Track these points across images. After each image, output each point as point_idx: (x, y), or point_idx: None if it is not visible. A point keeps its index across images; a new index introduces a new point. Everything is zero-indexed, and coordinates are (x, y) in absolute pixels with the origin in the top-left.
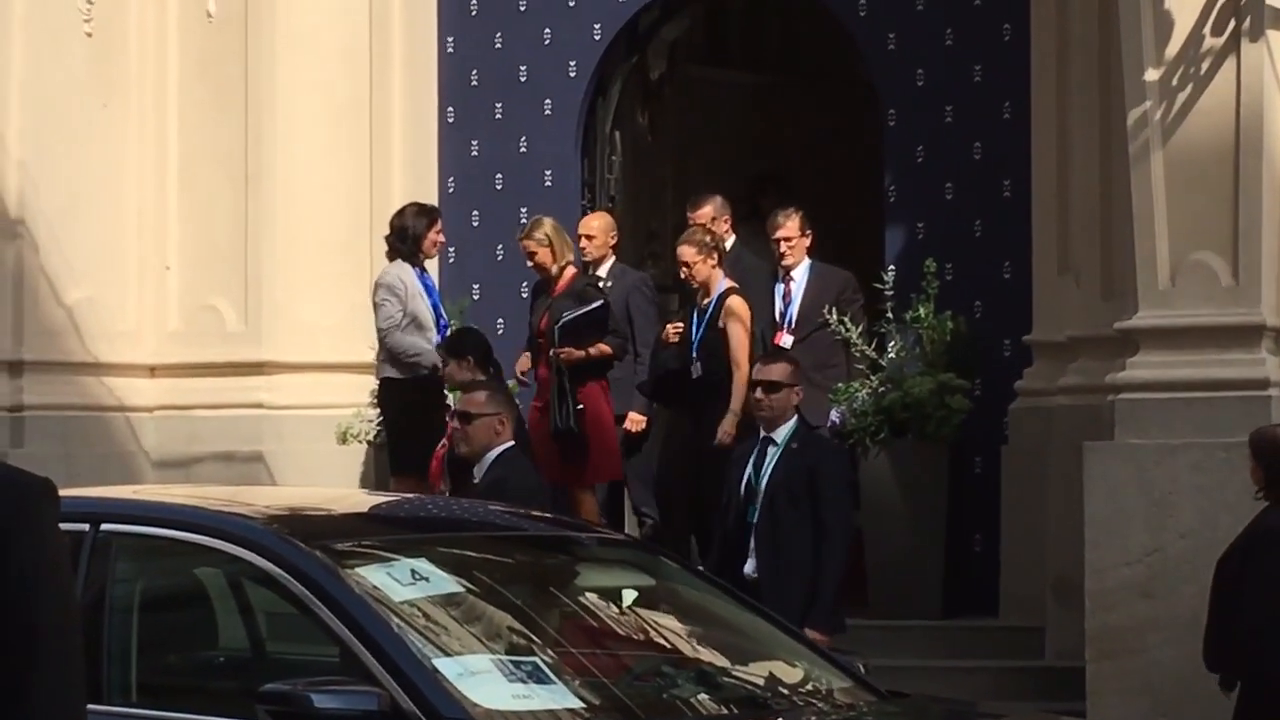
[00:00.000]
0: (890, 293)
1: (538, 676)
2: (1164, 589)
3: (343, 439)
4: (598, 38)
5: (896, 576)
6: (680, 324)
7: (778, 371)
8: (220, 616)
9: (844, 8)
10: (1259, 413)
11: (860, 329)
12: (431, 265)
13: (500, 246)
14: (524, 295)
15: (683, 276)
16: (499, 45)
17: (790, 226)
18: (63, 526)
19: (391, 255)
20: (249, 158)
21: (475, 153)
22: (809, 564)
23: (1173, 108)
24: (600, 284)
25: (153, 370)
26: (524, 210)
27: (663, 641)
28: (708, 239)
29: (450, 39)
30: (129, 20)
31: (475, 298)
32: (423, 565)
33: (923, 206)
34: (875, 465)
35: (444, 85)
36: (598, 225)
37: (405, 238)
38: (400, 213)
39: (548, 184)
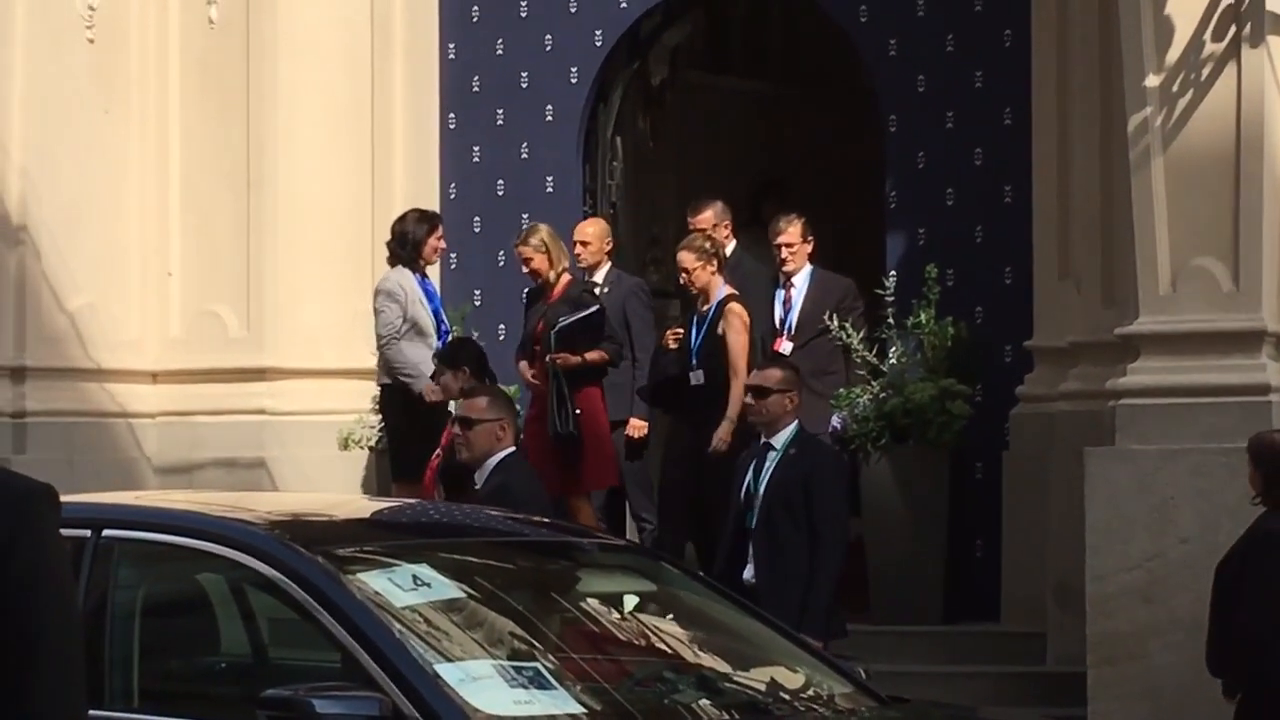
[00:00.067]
0: (891, 298)
1: (539, 682)
2: (1165, 594)
3: (344, 445)
4: (599, 44)
5: (898, 582)
6: (680, 330)
7: (766, 377)
8: (222, 622)
9: (845, 13)
10: (1260, 418)
11: (861, 335)
12: (433, 271)
13: (501, 252)
14: (525, 301)
15: (682, 282)
16: (500, 51)
17: (792, 233)
18: (65, 532)
19: (392, 261)
20: (251, 164)
21: (477, 159)
22: (805, 571)
23: (1173, 113)
24: (596, 290)
25: (155, 376)
26: (525, 216)
27: (664, 647)
28: (707, 245)
29: (451, 45)
30: (130, 26)
31: (477, 303)
32: (424, 571)
33: (924, 212)
34: (876, 471)
35: (445, 91)
36: (592, 231)
37: (406, 243)
38: (401, 218)
39: (549, 190)
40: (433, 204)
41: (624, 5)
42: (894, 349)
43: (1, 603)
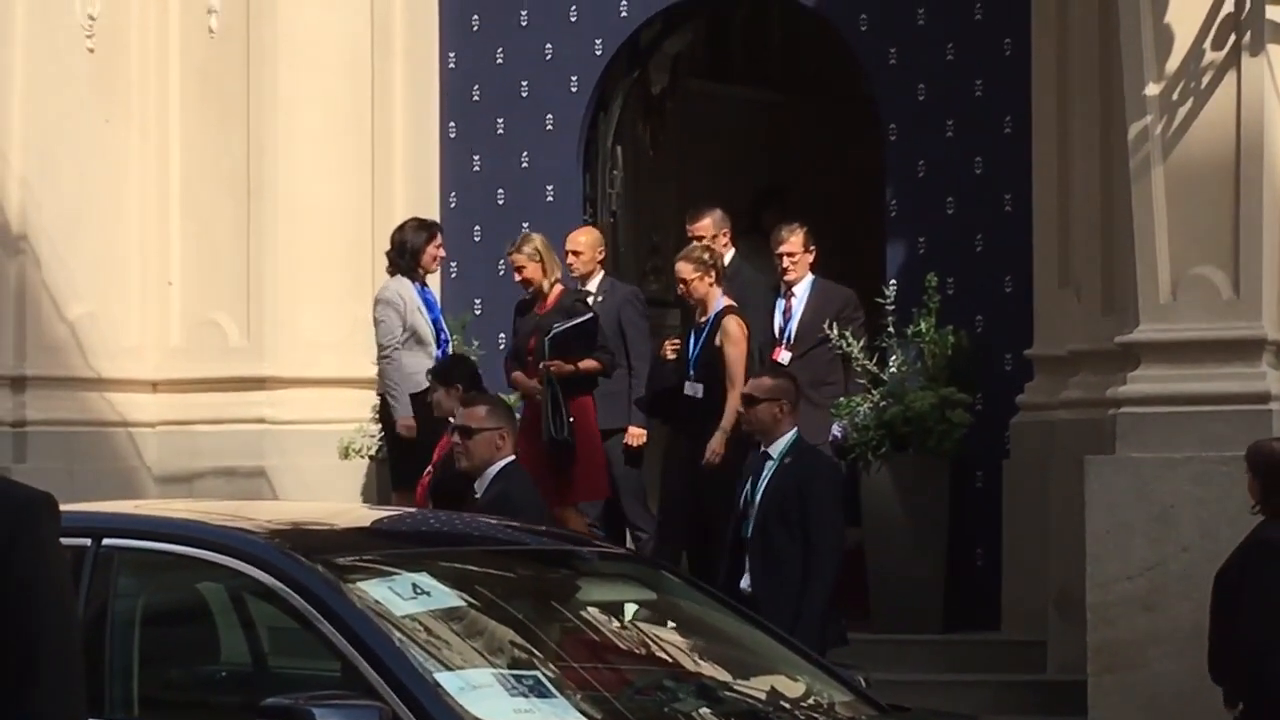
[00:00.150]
0: (892, 307)
1: (539, 691)
2: (1165, 602)
3: (344, 454)
4: (599, 53)
5: (898, 590)
6: (678, 341)
7: (755, 386)
8: (222, 631)
9: (845, 22)
10: (1260, 426)
11: (861, 344)
12: (433, 280)
13: (502, 262)
14: (515, 311)
15: (680, 293)
16: (500, 60)
17: (794, 242)
18: (65, 541)
19: (392, 270)
20: (251, 173)
21: (477, 168)
22: (800, 579)
23: (1173, 122)
24: (590, 299)
25: (155, 385)
26: (526, 225)
27: (664, 655)
28: (706, 256)
29: (452, 54)
30: (131, 36)
31: (477, 313)
32: (424, 580)
33: (924, 221)
34: (877, 479)
35: (445, 100)
36: (585, 241)
37: (405, 252)
38: (400, 227)
39: (549, 199)
40: (433, 213)
41: (624, 14)
42: (894, 357)
43: (1, 610)
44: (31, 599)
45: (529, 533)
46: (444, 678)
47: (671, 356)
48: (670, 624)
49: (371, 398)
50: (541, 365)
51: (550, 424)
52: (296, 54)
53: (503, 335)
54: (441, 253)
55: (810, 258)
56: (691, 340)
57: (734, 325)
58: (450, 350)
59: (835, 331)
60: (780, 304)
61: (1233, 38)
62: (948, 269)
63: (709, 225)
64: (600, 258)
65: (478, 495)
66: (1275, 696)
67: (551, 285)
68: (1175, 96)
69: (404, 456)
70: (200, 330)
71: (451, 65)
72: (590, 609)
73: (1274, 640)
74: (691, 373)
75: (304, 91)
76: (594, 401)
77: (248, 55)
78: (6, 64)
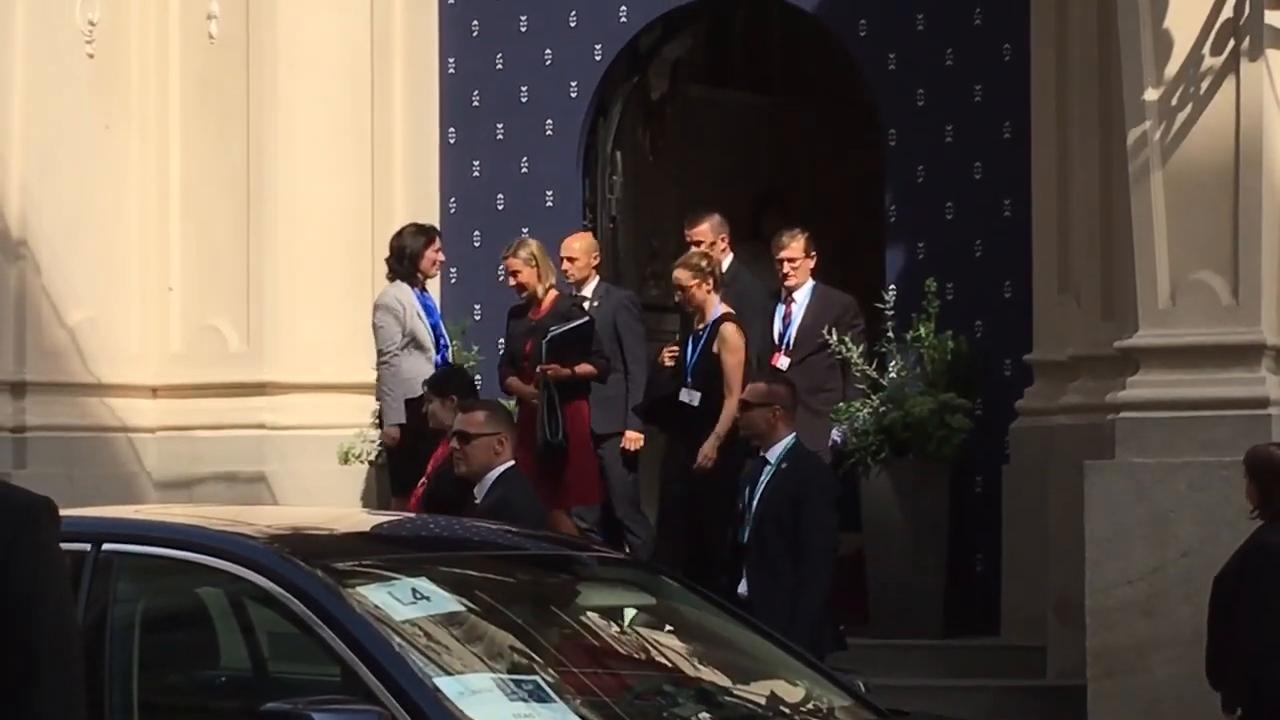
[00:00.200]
0: (891, 312)
1: (539, 695)
2: (1165, 607)
3: (344, 459)
4: (599, 58)
5: (897, 595)
6: (676, 348)
7: (749, 392)
8: (222, 636)
9: (844, 28)
10: (1259, 431)
11: (860, 349)
12: (433, 286)
13: (502, 267)
14: (508, 316)
15: (677, 301)
16: (500, 66)
17: (795, 247)
18: (64, 546)
19: (391, 276)
20: (251, 178)
21: (476, 173)
22: (793, 586)
23: (1172, 127)
24: (585, 304)
25: (155, 391)
26: (525, 230)
27: (664, 660)
28: (703, 264)
29: (451, 60)
30: (131, 42)
31: (477, 318)
32: (424, 584)
33: (923, 226)
34: (876, 485)
35: (445, 106)
36: (579, 246)
37: (403, 257)
38: (398, 233)
39: (549, 204)
40: (433, 218)
41: (624, 19)
42: (894, 363)
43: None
44: (31, 603)
45: (528, 537)
46: (443, 682)
47: (670, 364)
48: (669, 629)
49: (371, 403)
50: (539, 368)
51: (545, 427)
52: (296, 59)
53: (503, 341)
54: (440, 257)
55: (811, 263)
56: (689, 347)
57: (732, 332)
58: (450, 355)
59: (834, 337)
60: (780, 309)
61: (1232, 43)
62: (947, 274)
63: (707, 230)
64: (595, 263)
65: (477, 500)
66: (1274, 701)
67: (545, 290)
68: (1174, 102)
69: (404, 462)
70: (200, 335)
71: (451, 70)
72: (590, 614)
73: (1272, 645)
74: (689, 380)
75: (304, 96)
76: (589, 406)
77: (247, 60)
78: (6, 68)
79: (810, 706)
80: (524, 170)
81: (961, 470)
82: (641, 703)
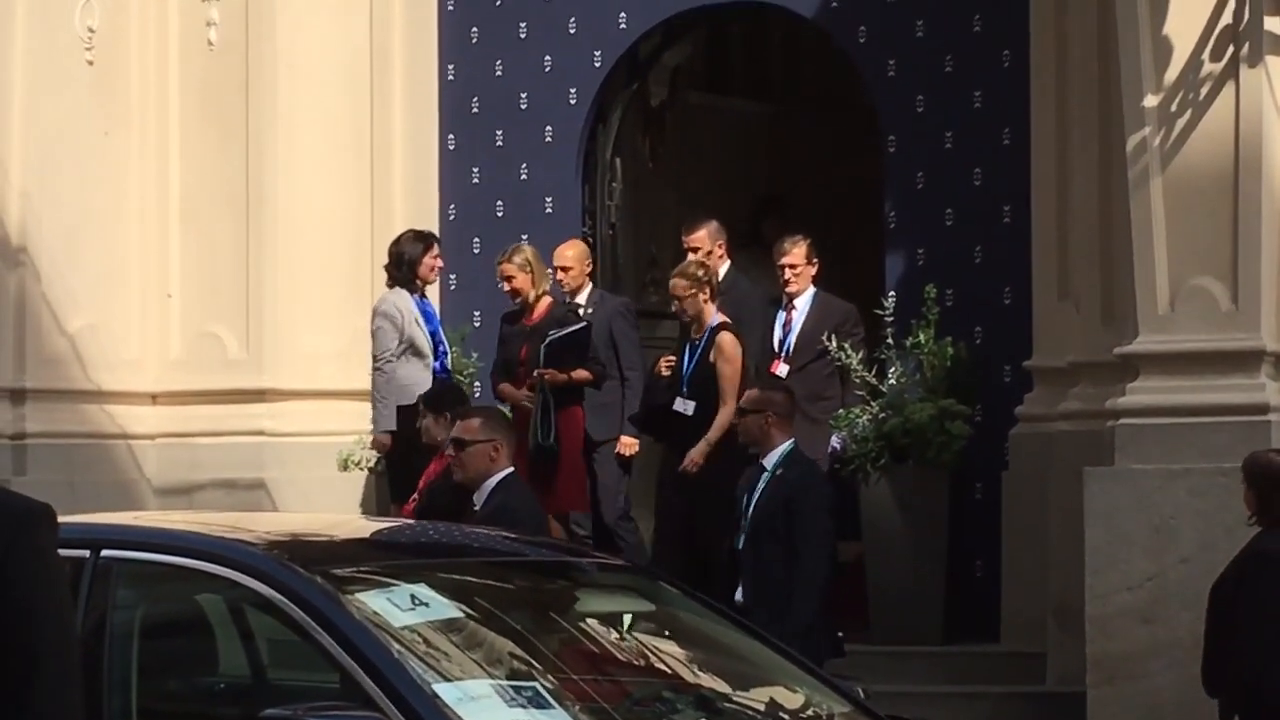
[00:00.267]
0: (890, 318)
1: (538, 702)
2: (1165, 614)
3: (344, 466)
4: (598, 65)
5: (897, 602)
6: (673, 357)
7: (745, 398)
8: (221, 642)
9: (844, 34)
10: (1259, 437)
11: (860, 356)
12: (433, 292)
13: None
14: (501, 322)
15: (674, 309)
16: (499, 73)
17: (796, 254)
18: (63, 553)
19: (390, 283)
20: (250, 185)
21: (476, 180)
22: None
23: (1172, 133)
24: (580, 311)
25: (154, 398)
26: (525, 237)
27: (663, 667)
28: (700, 273)
29: (451, 67)
30: (130, 49)
31: (476, 325)
32: (422, 591)
33: (923, 232)
34: (876, 491)
35: (445, 113)
36: (572, 255)
37: (402, 264)
38: (397, 240)
39: (548, 211)
40: (432, 225)
41: (623, 26)
42: (893, 369)
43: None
44: (29, 609)
45: (527, 544)
46: (442, 689)
47: (666, 373)
48: (668, 635)
49: (370, 410)
50: (536, 373)
51: (539, 430)
52: (296, 66)
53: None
54: (439, 263)
55: (813, 270)
56: (686, 356)
57: (729, 342)
58: (449, 362)
59: (834, 344)
60: (781, 316)
61: (1231, 49)
62: (947, 280)
63: (704, 237)
64: (588, 270)
65: (476, 507)
66: (1273, 708)
67: (539, 296)
68: (1174, 108)
69: (403, 468)
70: (200, 342)
71: (451, 77)
72: (589, 620)
73: (1271, 651)
74: (684, 389)
75: (303, 103)
76: (583, 412)
77: (247, 67)
78: (6, 75)
79: (809, 713)
80: (523, 177)
81: (961, 477)
82: (640, 709)
